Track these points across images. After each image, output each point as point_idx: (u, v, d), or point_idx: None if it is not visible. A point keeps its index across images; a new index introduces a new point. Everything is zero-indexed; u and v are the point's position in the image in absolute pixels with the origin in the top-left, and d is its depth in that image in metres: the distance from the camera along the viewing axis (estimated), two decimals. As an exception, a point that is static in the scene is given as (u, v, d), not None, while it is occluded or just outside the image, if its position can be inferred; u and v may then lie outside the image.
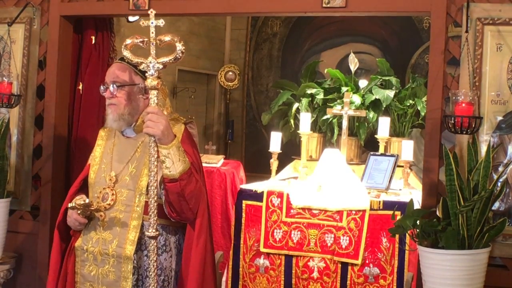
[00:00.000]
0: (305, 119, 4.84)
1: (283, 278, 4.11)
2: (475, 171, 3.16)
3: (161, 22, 2.79)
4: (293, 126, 5.38)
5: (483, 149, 3.37)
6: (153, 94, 2.79)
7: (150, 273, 2.84)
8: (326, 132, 5.22)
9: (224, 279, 4.32)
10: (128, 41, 2.84)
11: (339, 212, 4.03)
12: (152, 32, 2.78)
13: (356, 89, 5.26)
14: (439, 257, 3.02)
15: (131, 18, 6.03)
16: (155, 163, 2.79)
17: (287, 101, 5.54)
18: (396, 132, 5.11)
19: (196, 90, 8.36)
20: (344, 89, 5.17)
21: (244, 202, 4.26)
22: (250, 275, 4.21)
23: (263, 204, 4.21)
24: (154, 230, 2.81)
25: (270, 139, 4.75)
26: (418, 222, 3.09)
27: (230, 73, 8.62)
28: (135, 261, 2.95)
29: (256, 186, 4.39)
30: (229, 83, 8.63)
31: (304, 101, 5.26)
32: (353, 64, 5.33)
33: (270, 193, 4.23)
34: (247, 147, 8.62)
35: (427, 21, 7.31)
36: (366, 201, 3.99)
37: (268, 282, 4.15)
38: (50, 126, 4.42)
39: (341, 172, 4.23)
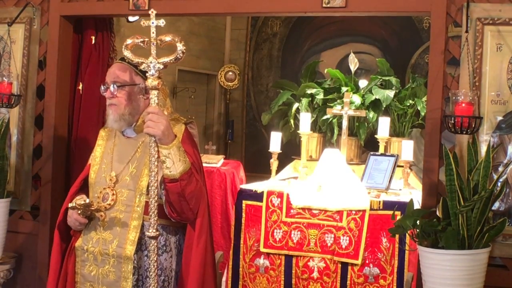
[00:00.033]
0: (305, 119, 4.84)
1: (283, 278, 4.11)
2: (475, 171, 3.16)
3: (161, 22, 2.79)
4: (293, 126, 5.38)
5: (483, 149, 3.37)
6: (153, 94, 2.79)
7: (151, 273, 2.84)
8: (326, 132, 5.22)
9: (224, 279, 4.32)
10: (129, 41, 2.84)
11: (339, 212, 4.03)
12: (153, 32, 2.77)
13: (356, 89, 5.26)
14: (439, 257, 3.02)
15: (131, 18, 6.04)
16: (156, 163, 2.79)
17: (287, 101, 5.54)
18: (396, 132, 5.11)
19: (196, 90, 8.36)
20: (344, 89, 5.17)
21: (244, 202, 4.26)
22: (250, 275, 4.21)
23: (263, 204, 4.21)
24: (154, 230, 2.81)
25: (270, 139, 4.75)
26: (418, 222, 3.09)
27: (230, 73, 8.62)
28: (135, 261, 2.95)
29: (256, 186, 4.39)
30: (229, 83, 8.63)
31: (304, 101, 5.26)
32: (353, 64, 5.33)
33: (270, 193, 4.23)
34: (247, 147, 8.62)
35: (427, 21, 7.31)
36: (366, 201, 3.99)
37: (268, 282, 4.15)
38: (50, 126, 4.42)
39: (341, 172, 4.23)
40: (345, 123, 4.81)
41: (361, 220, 3.96)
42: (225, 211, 4.85)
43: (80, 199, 3.02)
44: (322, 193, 4.13)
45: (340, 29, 8.00)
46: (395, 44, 7.83)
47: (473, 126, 3.16)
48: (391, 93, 5.06)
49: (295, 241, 4.09)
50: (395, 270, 3.84)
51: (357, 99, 5.05)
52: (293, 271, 4.08)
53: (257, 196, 4.24)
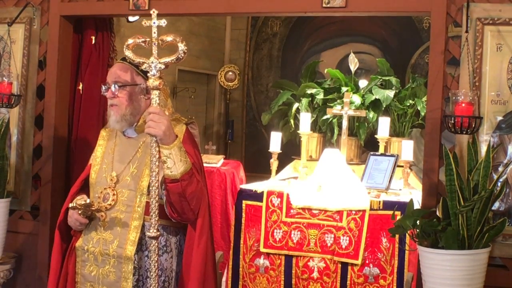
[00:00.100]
0: (305, 119, 4.84)
1: (283, 278, 4.11)
2: (475, 171, 3.16)
3: (163, 22, 2.78)
4: (293, 126, 5.38)
5: (483, 149, 3.37)
6: (154, 94, 2.79)
7: (151, 274, 2.84)
8: (326, 132, 5.22)
9: (224, 279, 4.32)
10: (130, 41, 2.83)
11: (339, 212, 4.03)
12: (154, 32, 2.77)
13: (356, 89, 5.27)
14: (439, 257, 3.02)
15: (131, 18, 6.04)
16: (157, 163, 2.79)
17: (287, 101, 5.55)
18: (396, 132, 5.11)
19: (196, 90, 8.36)
20: (344, 89, 5.18)
21: (244, 202, 4.26)
22: (250, 275, 4.21)
23: (263, 204, 4.21)
24: (155, 231, 2.80)
25: (270, 139, 4.75)
26: (418, 222, 3.09)
27: (230, 73, 8.62)
28: (135, 262, 2.94)
29: (256, 186, 4.39)
30: (229, 83, 8.63)
31: (304, 101, 5.26)
32: (353, 64, 5.34)
33: (270, 193, 4.23)
34: (247, 147, 8.62)
35: (427, 21, 7.31)
36: (366, 201, 3.99)
37: (268, 282, 4.15)
38: (50, 126, 4.42)
39: (341, 172, 4.23)
40: (345, 123, 4.81)
41: (361, 220, 3.96)
42: (225, 211, 4.86)
43: (81, 199, 3.01)
44: (322, 193, 4.13)
45: (340, 29, 7.99)
46: (395, 44, 7.83)
47: (473, 126, 3.17)
48: (391, 93, 5.06)
49: (295, 241, 4.09)
50: (395, 270, 3.84)
51: (357, 99, 5.05)
52: (293, 271, 4.08)
53: (257, 196, 4.24)
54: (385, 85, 5.27)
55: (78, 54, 4.67)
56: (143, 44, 2.83)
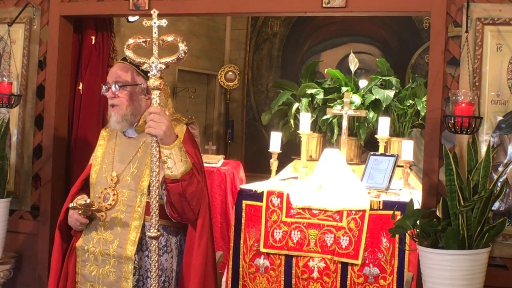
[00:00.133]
0: (305, 119, 4.84)
1: (283, 278, 4.11)
2: (475, 171, 3.16)
3: (163, 22, 2.78)
4: (293, 126, 5.38)
5: (483, 149, 3.37)
6: (155, 94, 2.79)
7: (152, 274, 2.84)
8: (326, 132, 5.22)
9: (224, 279, 4.32)
10: (131, 41, 2.83)
11: (339, 212, 4.03)
12: (155, 32, 2.77)
13: (356, 89, 5.27)
14: (439, 257, 3.02)
15: (131, 18, 6.04)
16: (157, 163, 2.79)
17: (287, 101, 5.55)
18: (396, 132, 5.11)
19: (196, 90, 8.36)
20: (344, 89, 5.18)
21: (244, 202, 4.26)
22: (250, 275, 4.21)
23: (263, 204, 4.21)
24: (155, 231, 2.80)
25: (270, 139, 4.75)
26: (418, 222, 3.09)
27: (230, 73, 8.62)
28: (136, 262, 2.94)
29: (256, 186, 4.39)
30: (229, 83, 8.63)
31: (304, 101, 5.26)
32: (353, 64, 5.34)
33: (270, 193, 4.23)
34: (247, 147, 8.62)
35: (427, 21, 7.31)
36: (366, 201, 3.99)
37: (268, 282, 4.15)
38: (50, 126, 4.42)
39: (341, 172, 4.23)
40: (345, 123, 4.81)
41: (361, 220, 3.96)
42: (225, 211, 4.86)
43: (81, 199, 3.01)
44: (322, 193, 4.13)
45: (340, 29, 7.99)
46: (395, 44, 7.83)
47: (473, 126, 3.17)
48: (391, 93, 5.06)
49: (295, 241, 4.09)
50: (395, 270, 3.84)
51: (357, 99, 5.05)
52: (293, 271, 4.08)
53: (257, 196, 4.24)
54: (385, 85, 5.27)
55: (78, 54, 4.67)
56: (143, 44, 2.83)
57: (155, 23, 2.78)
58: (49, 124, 4.42)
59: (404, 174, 4.44)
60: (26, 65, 4.47)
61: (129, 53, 2.83)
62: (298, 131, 4.96)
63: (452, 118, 3.17)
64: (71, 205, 2.97)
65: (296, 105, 5.38)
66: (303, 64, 7.93)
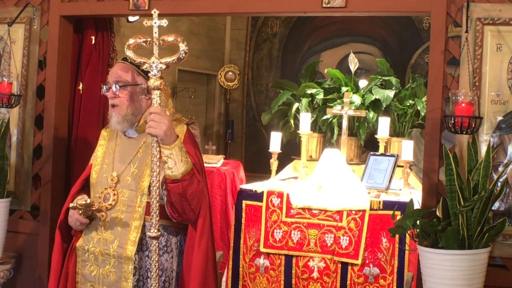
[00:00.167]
0: (305, 119, 4.84)
1: (283, 278, 4.11)
2: (475, 171, 3.16)
3: (164, 22, 2.78)
4: (293, 126, 5.39)
5: (483, 149, 3.37)
6: (155, 94, 2.79)
7: (152, 274, 2.84)
8: (326, 132, 5.23)
9: (224, 279, 4.32)
10: (131, 41, 2.83)
11: (339, 212, 4.03)
12: (155, 32, 2.77)
13: (356, 89, 5.27)
14: (439, 257, 3.03)
15: (131, 18, 6.04)
16: (158, 163, 2.79)
17: (287, 101, 5.55)
18: (396, 132, 5.11)
19: (196, 90, 8.36)
20: (344, 89, 5.18)
21: (244, 202, 4.26)
22: (250, 275, 4.21)
23: (263, 204, 4.21)
24: (156, 231, 2.80)
25: (270, 139, 4.75)
26: (418, 222, 3.09)
27: (230, 73, 8.63)
28: (136, 262, 2.94)
29: (256, 186, 4.39)
30: (229, 83, 8.63)
31: (304, 101, 5.26)
32: (353, 64, 5.34)
33: (270, 193, 4.23)
34: (247, 147, 8.62)
35: (427, 21, 7.31)
36: (366, 201, 3.99)
37: (268, 282, 4.15)
38: (50, 126, 4.42)
39: (341, 172, 4.23)
40: (345, 123, 4.81)
41: (361, 220, 3.96)
42: (224, 211, 4.86)
43: (81, 199, 3.01)
44: (322, 193, 4.14)
45: (340, 29, 7.99)
46: (395, 44, 7.83)
47: (473, 126, 3.17)
48: (391, 93, 5.06)
49: (295, 241, 4.09)
50: (395, 270, 3.84)
51: (357, 99, 5.05)
52: (293, 271, 4.08)
53: (257, 196, 4.24)
54: (385, 85, 5.27)
55: (78, 54, 4.67)
56: (144, 44, 2.83)
57: (155, 23, 2.78)
58: (49, 124, 4.42)
59: (404, 174, 4.44)
60: (26, 65, 4.47)
61: (129, 53, 2.83)
62: (298, 131, 4.96)
63: (452, 118, 3.17)
64: (71, 205, 2.97)
65: (296, 105, 5.38)
66: (303, 64, 7.93)
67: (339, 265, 3.97)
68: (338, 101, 5.09)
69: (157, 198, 2.80)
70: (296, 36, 8.38)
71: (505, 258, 3.40)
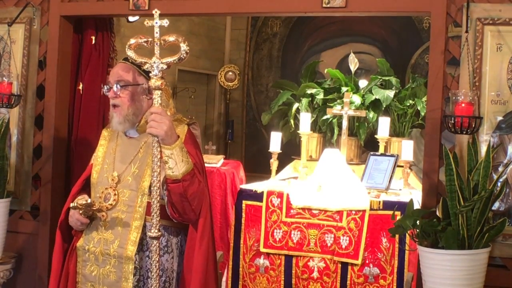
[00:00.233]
0: (305, 119, 4.84)
1: (283, 278, 4.11)
2: (475, 171, 3.16)
3: (165, 22, 2.77)
4: (293, 126, 5.39)
5: (483, 149, 3.37)
6: (156, 95, 2.79)
7: (152, 274, 2.84)
8: (326, 132, 5.23)
9: (224, 279, 4.32)
10: (132, 41, 2.83)
11: (339, 212, 4.04)
12: (157, 32, 2.77)
13: (356, 89, 5.27)
14: (439, 257, 3.03)
15: (131, 18, 6.04)
16: (158, 163, 2.79)
17: (287, 101, 5.55)
18: (396, 132, 5.11)
19: (196, 90, 8.36)
20: (344, 89, 5.18)
21: (244, 202, 4.27)
22: (250, 275, 4.21)
23: (263, 204, 4.21)
24: (156, 231, 2.80)
25: (270, 139, 4.75)
26: (418, 222, 3.09)
27: (230, 73, 8.62)
28: (136, 262, 2.94)
29: (256, 186, 4.39)
30: (229, 83, 8.63)
31: (304, 101, 5.26)
32: (353, 64, 5.34)
33: (270, 193, 4.23)
34: (247, 147, 8.62)
35: (427, 21, 7.31)
36: (366, 201, 3.99)
37: (268, 282, 4.15)
38: (50, 126, 4.42)
39: (341, 172, 4.24)
40: (345, 123, 4.82)
41: (361, 220, 3.96)
42: (224, 211, 4.86)
43: (82, 199, 3.01)
44: (322, 193, 4.14)
45: (340, 29, 7.99)
46: (395, 44, 7.83)
47: (473, 126, 3.17)
48: (391, 93, 5.07)
49: (295, 241, 4.09)
50: (395, 270, 3.84)
51: (357, 99, 5.05)
52: (293, 271, 4.09)
53: (257, 196, 4.25)
54: (385, 85, 5.28)
55: (78, 54, 4.67)
56: (145, 44, 2.83)
57: (156, 23, 2.77)
58: (49, 124, 4.42)
59: (404, 174, 4.45)
60: (26, 65, 4.47)
61: (130, 53, 2.83)
62: (298, 131, 4.97)
63: (452, 118, 3.17)
64: (72, 205, 2.96)
65: (296, 105, 5.38)
66: (303, 64, 7.93)
67: (339, 265, 3.97)
68: (338, 101, 5.09)
69: (158, 198, 2.80)
70: (296, 36, 8.38)
71: (505, 258, 3.40)
